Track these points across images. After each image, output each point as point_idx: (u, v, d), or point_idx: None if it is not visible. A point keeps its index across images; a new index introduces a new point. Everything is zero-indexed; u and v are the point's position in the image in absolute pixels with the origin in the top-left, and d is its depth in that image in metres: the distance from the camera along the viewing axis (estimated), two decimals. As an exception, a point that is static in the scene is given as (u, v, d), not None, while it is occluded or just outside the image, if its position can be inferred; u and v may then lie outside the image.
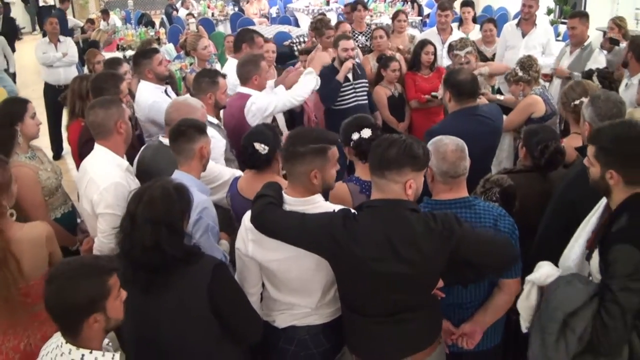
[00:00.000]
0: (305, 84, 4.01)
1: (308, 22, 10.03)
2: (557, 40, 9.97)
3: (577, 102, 3.09)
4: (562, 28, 9.68)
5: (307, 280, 2.23)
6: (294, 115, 5.04)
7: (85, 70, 5.76)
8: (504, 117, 4.08)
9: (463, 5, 6.91)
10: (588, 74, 3.50)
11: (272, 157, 2.62)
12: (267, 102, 3.83)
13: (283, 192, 2.24)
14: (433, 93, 5.03)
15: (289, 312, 2.31)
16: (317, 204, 2.20)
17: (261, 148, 2.60)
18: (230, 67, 4.61)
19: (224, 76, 3.70)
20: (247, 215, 2.26)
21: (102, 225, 2.70)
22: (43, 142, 7.09)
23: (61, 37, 7.09)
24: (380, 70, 5.21)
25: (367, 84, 4.92)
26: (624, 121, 2.08)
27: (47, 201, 3.14)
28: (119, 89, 3.55)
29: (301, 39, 9.05)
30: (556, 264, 2.29)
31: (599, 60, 5.07)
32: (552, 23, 9.48)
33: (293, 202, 2.19)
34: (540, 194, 2.77)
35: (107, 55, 6.01)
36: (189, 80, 5.00)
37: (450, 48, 5.36)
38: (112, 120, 2.77)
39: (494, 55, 6.01)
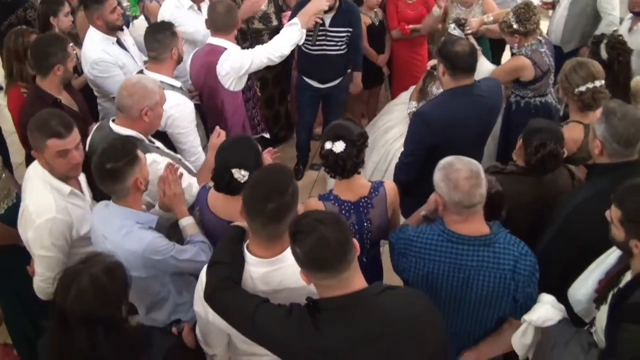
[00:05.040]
0: (286, 38, 3.40)
1: None
2: None
3: (582, 88, 2.74)
4: None
5: None
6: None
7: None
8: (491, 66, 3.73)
9: None
10: (596, 41, 3.08)
11: None
12: (241, 59, 3.28)
13: (245, 248, 1.93)
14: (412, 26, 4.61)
15: (257, 357, 2.07)
16: (282, 267, 1.86)
17: (240, 175, 2.19)
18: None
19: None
20: (203, 277, 1.94)
21: (39, 268, 2.38)
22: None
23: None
24: (361, -6, 4.60)
25: (348, 33, 4.15)
26: None
27: (-12, 200, 2.77)
28: (67, 52, 3.08)
29: None
30: (553, 293, 2.16)
31: None
32: None
33: (254, 263, 1.89)
34: (532, 200, 2.50)
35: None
36: (149, 9, 4.36)
37: None
38: (35, 147, 2.37)
39: None
